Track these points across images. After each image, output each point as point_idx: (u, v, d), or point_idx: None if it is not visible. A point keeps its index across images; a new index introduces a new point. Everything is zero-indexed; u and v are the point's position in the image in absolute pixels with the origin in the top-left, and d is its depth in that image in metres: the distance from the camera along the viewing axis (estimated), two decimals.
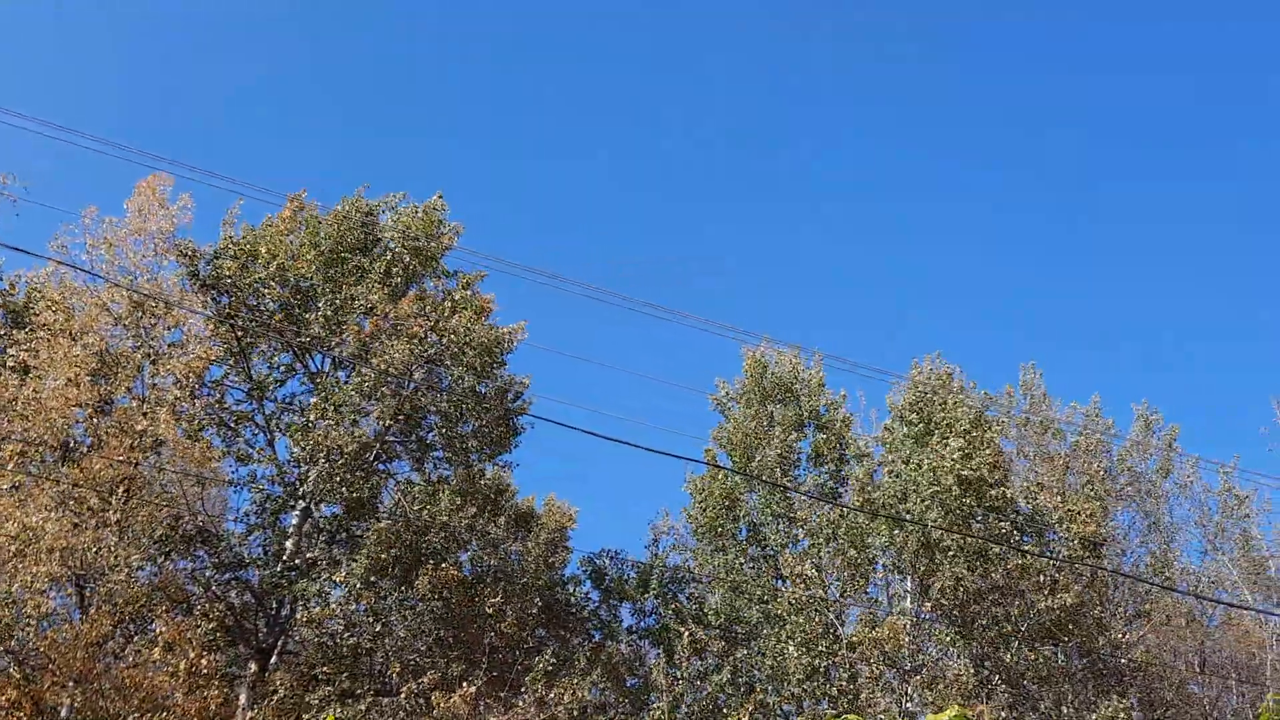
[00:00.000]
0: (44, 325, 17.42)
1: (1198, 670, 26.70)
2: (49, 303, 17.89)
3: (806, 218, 78.84)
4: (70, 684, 15.79)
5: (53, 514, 15.86)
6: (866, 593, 22.17)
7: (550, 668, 17.56)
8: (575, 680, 17.49)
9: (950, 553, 20.46)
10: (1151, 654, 24.07)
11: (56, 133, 23.18)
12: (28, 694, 15.65)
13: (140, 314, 17.95)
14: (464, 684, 16.51)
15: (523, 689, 17.27)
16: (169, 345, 18.45)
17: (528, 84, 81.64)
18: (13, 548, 15.71)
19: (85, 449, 17.86)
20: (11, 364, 17.26)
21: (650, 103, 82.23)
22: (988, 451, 21.21)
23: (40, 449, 17.21)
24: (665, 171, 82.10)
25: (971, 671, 19.51)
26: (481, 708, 16.60)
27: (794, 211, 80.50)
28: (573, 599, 21.79)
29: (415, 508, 18.48)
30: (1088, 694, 21.49)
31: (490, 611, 17.87)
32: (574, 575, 22.60)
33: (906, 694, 19.28)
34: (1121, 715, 18.54)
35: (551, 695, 17.06)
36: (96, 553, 16.36)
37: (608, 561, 23.03)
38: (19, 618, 16.02)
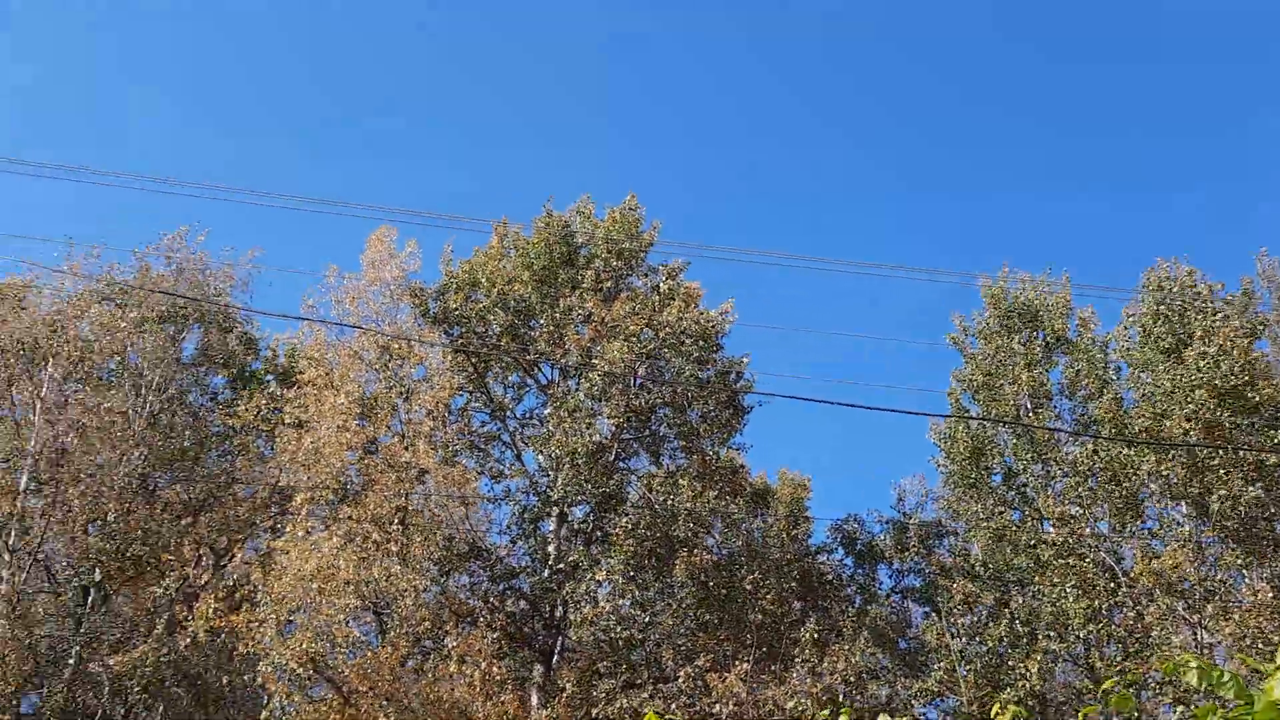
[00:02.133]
0: (309, 381, 19.12)
1: None
2: (309, 359, 19.59)
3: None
4: (384, 703, 17.23)
5: (343, 551, 17.32)
6: (1141, 524, 20.93)
7: (816, 638, 17.65)
8: (845, 647, 17.50)
9: (1221, 470, 19.00)
10: None
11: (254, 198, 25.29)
12: (348, 716, 17.18)
13: (388, 357, 19.37)
14: (736, 663, 16.86)
15: (793, 661, 17.45)
16: (416, 381, 19.83)
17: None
18: (314, 585, 17.29)
19: (359, 488, 19.40)
20: (288, 420, 19.01)
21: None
22: (1238, 354, 19.51)
23: (323, 493, 18.85)
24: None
25: (1270, 592, 18.05)
26: (757, 684, 16.89)
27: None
28: (826, 568, 21.73)
29: (660, 499, 18.99)
30: None
31: (749, 589, 18.14)
32: (823, 544, 22.50)
33: (1201, 625, 18.11)
34: None
35: (824, 664, 17.14)
36: (386, 581, 17.71)
37: (856, 525, 22.80)
38: (330, 648, 17.52)
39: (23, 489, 18.76)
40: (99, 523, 18.87)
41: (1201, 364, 19.61)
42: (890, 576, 23.36)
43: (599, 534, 19.29)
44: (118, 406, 19.01)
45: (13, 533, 18.57)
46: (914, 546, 22.88)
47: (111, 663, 17.94)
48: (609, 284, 20.95)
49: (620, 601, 18.18)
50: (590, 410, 19.23)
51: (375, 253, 20.17)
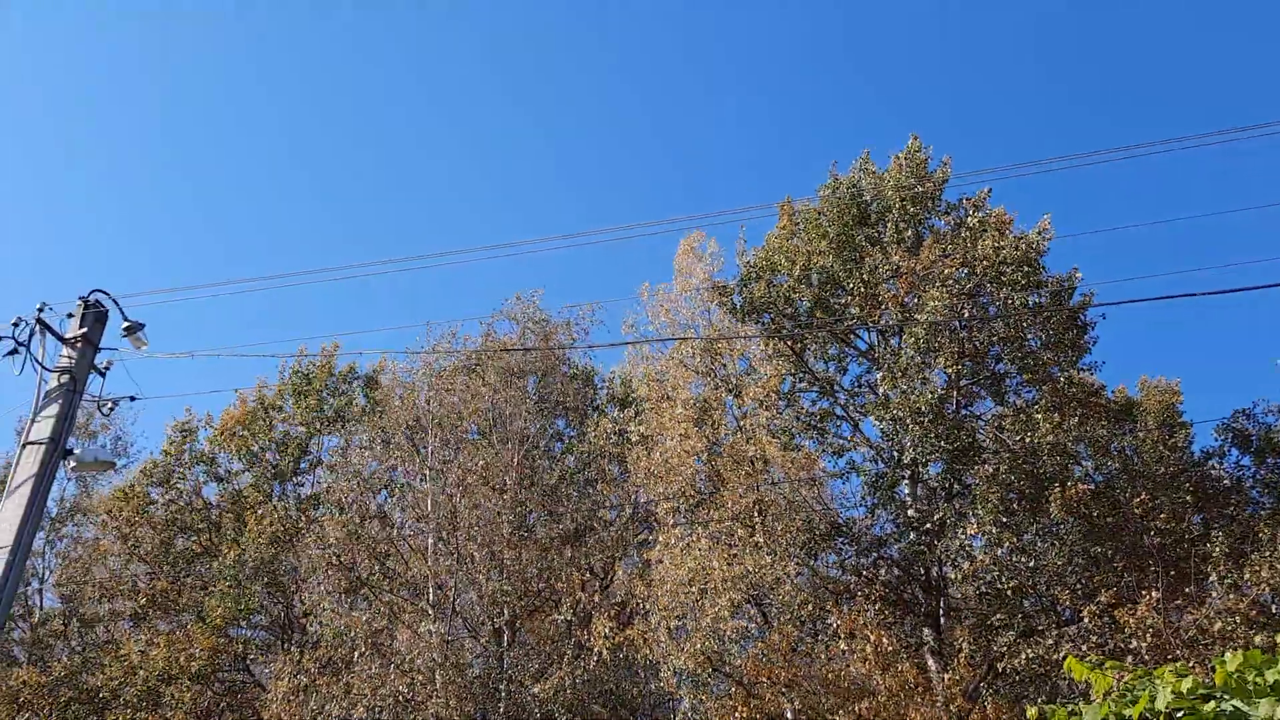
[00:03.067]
0: (647, 398, 20.23)
1: None
2: (647, 378, 20.78)
3: None
4: (784, 689, 17.73)
5: (712, 551, 18.04)
6: None
7: (1228, 550, 16.30)
8: (1265, 554, 16.03)
9: None
10: None
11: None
12: (753, 707, 17.81)
13: (711, 359, 20.07)
14: (1143, 593, 15.92)
15: (1208, 581, 16.23)
16: (741, 376, 20.42)
17: None
18: (694, 589, 18.12)
19: (711, 490, 20.17)
20: (635, 439, 20.17)
21: None
22: None
23: (680, 501, 19.76)
24: None
25: None
26: (1171, 612, 15.88)
27: None
28: (1221, 473, 20.00)
29: (1015, 439, 18.31)
30: None
31: (1138, 513, 17.07)
32: (1215, 448, 20.71)
33: None
34: None
35: (1246, 576, 15.81)
36: (758, 572, 18.25)
37: (1246, 421, 20.78)
38: (721, 645, 18.26)
39: (430, 549, 21.06)
40: (498, 569, 20.81)
41: None
42: None
43: (958, 487, 18.87)
44: (490, 461, 20.96)
45: (430, 590, 20.87)
46: None
47: (536, 691, 19.65)
48: (909, 234, 20.49)
49: (998, 551, 17.68)
50: (921, 364, 18.87)
51: (684, 260, 21.03)
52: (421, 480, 21.56)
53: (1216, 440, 20.70)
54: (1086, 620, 16.19)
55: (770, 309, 21.15)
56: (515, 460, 21.30)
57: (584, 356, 25.35)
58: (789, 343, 21.21)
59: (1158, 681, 5.61)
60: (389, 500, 23.61)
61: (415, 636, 19.44)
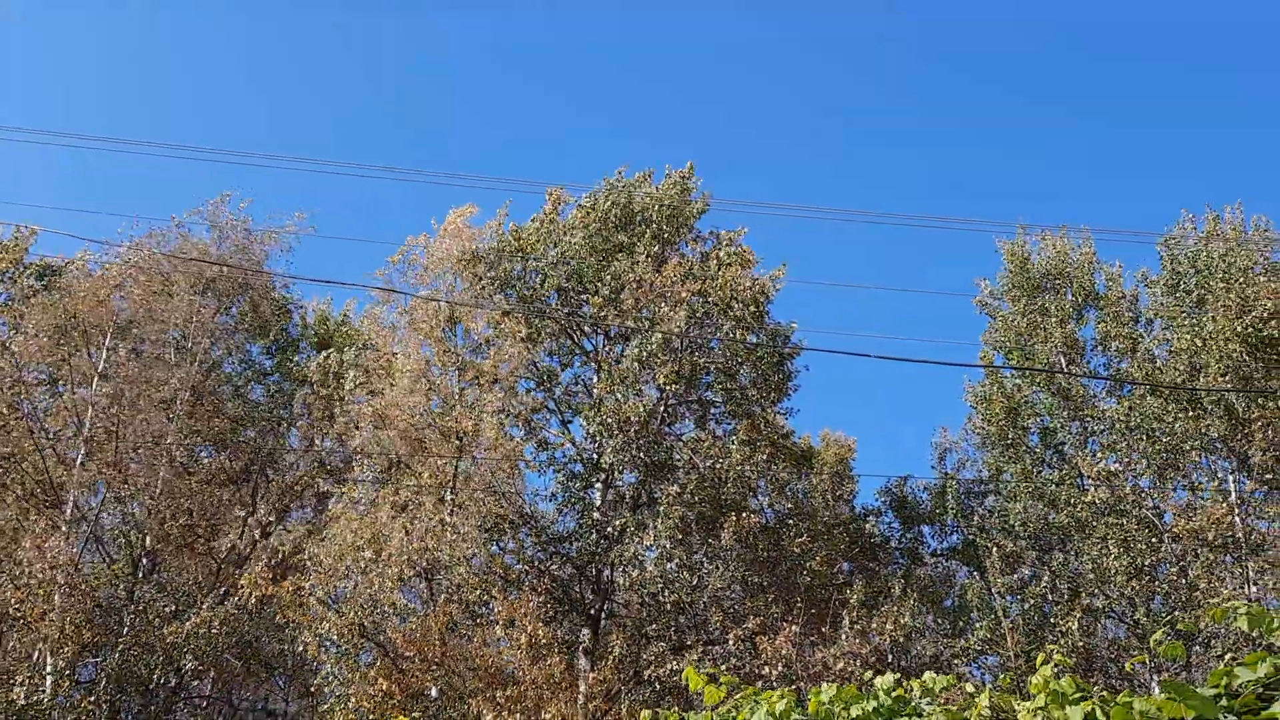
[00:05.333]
0: (378, 351, 19.56)
1: None
2: (373, 327, 20.11)
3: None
4: (432, 668, 17.57)
5: (397, 519, 17.63)
6: (1184, 478, 20.89)
7: (865, 599, 17.86)
8: (894, 608, 17.69)
9: (1260, 422, 18.91)
10: None
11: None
12: (398, 683, 17.52)
13: (441, 325, 19.68)
14: (785, 625, 17.07)
15: (842, 623, 17.66)
16: (467, 349, 20.15)
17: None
18: (367, 554, 17.63)
19: (410, 457, 19.71)
20: (351, 385, 19.40)
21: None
22: (1270, 303, 19.25)
23: (380, 460, 19.17)
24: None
25: None
26: (805, 646, 17.12)
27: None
28: (874, 529, 21.92)
29: (707, 463, 19.18)
30: None
31: (797, 551, 18.34)
32: (874, 507, 22.71)
33: (1248, 578, 18.13)
34: None
35: (873, 625, 17.34)
36: (436, 548, 17.99)
37: (904, 488, 22.94)
38: (381, 616, 17.84)
39: (79, 462, 19.24)
40: (148, 493, 19.30)
41: (1228, 316, 19.42)
42: (934, 537, 23.55)
43: (646, 499, 19.53)
44: (162, 378, 19.41)
45: (69, 506, 19.07)
46: (954, 507, 23.00)
47: (166, 632, 18.37)
48: (659, 251, 21.07)
49: (668, 565, 18.43)
50: (639, 376, 19.40)
51: (450, 226, 20.55)
52: (84, 386, 19.72)
53: (876, 500, 22.70)
54: (731, 643, 17.13)
55: (513, 288, 21.06)
56: (192, 382, 19.94)
57: (288, 287, 24.03)
58: (523, 327, 21.21)
59: (761, 702, 5.94)
60: (48, 400, 21.35)
61: (39, 550, 17.67)
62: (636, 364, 19.15)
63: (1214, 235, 22.73)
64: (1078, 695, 5.45)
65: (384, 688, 16.90)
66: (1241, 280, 20.10)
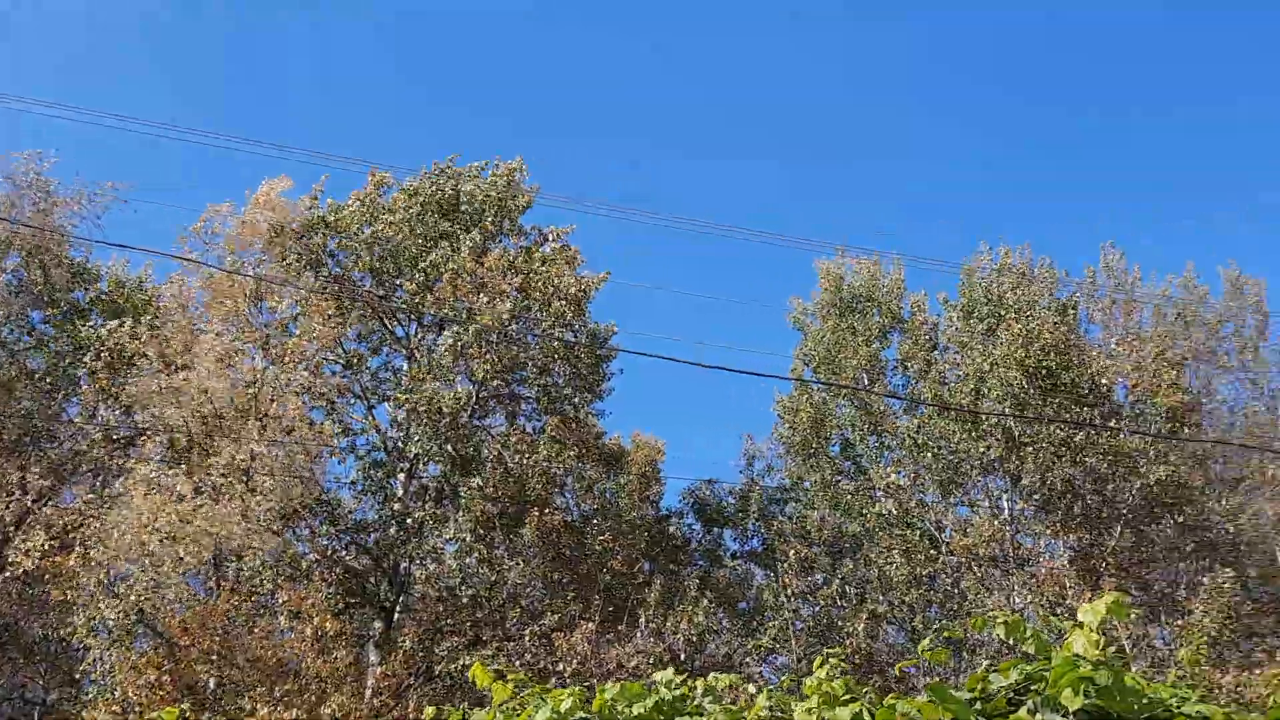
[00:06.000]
0: (172, 320, 18.39)
1: None
2: (176, 298, 18.91)
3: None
4: (210, 658, 16.73)
5: (188, 501, 16.67)
6: (966, 495, 22.28)
7: (662, 599, 18.17)
8: (689, 608, 18.07)
9: (1031, 446, 20.40)
10: (1261, 524, 23.75)
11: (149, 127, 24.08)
12: (170, 673, 16.60)
13: (256, 301, 18.78)
14: (582, 622, 17.17)
15: (639, 622, 17.92)
16: (274, 326, 19.28)
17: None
18: (156, 537, 16.60)
19: (215, 435, 18.70)
20: (153, 356, 18.16)
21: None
22: (1049, 337, 20.80)
23: (179, 435, 18.09)
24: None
25: (1066, 560, 19.65)
26: (601, 644, 17.26)
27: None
28: (676, 530, 22.35)
29: (514, 459, 19.07)
30: (1199, 569, 21.39)
31: (599, 550, 18.47)
32: (677, 509, 23.14)
33: (1012, 590, 19.48)
34: (1226, 585, 18.46)
35: (668, 625, 17.67)
36: (229, 534, 17.16)
37: (707, 491, 23.50)
38: (161, 603, 16.90)
39: None
40: None
41: (1012, 345, 20.85)
42: (735, 540, 24.23)
43: (450, 492, 19.25)
44: None
45: None
46: (755, 512, 23.76)
47: None
48: (481, 241, 20.75)
49: (467, 560, 18.23)
50: (452, 366, 19.08)
51: (263, 197, 19.55)
52: None
53: (680, 502, 23.19)
54: (528, 639, 17.10)
55: (324, 266, 20.33)
56: None
57: (85, 251, 22.44)
58: (332, 307, 20.49)
59: (546, 700, 5.91)
60: None
61: None
62: (450, 354, 18.85)
63: (1005, 268, 24.41)
64: (848, 697, 5.69)
65: (153, 678, 16.00)
66: (1028, 314, 21.59)
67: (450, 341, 19.03)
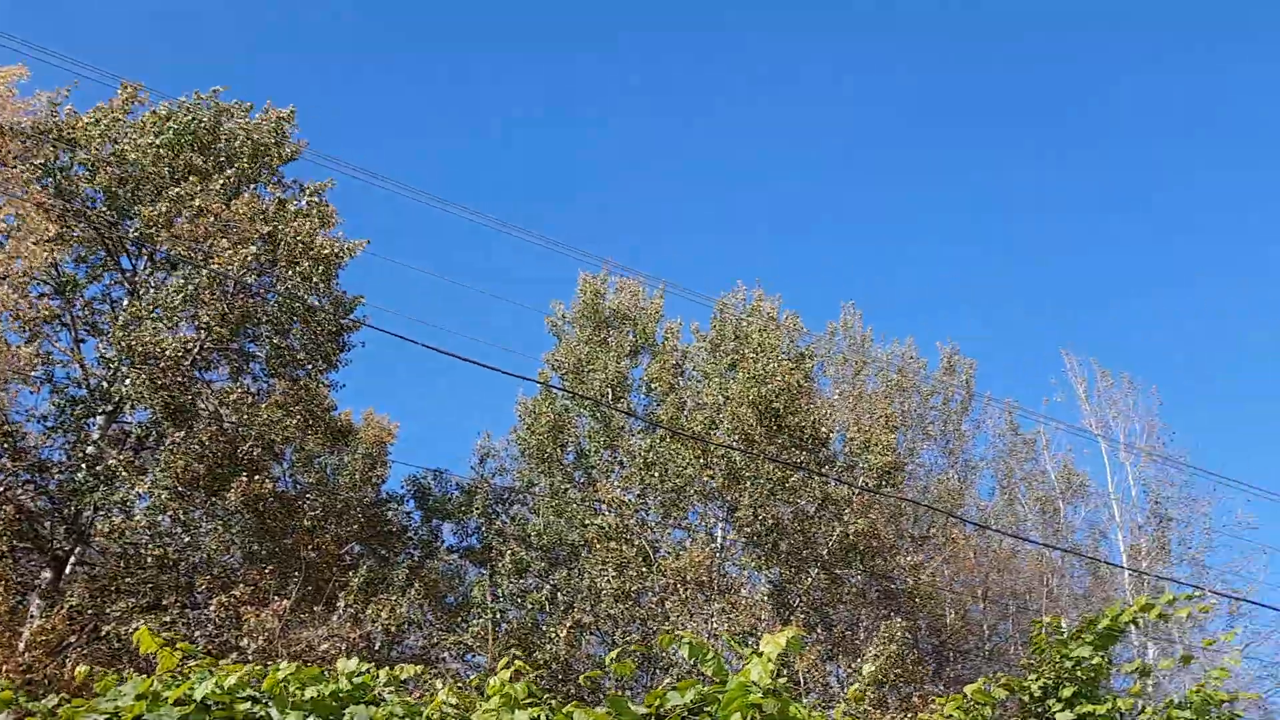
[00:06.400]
0: None
1: (981, 597, 28.90)
2: None
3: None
4: None
5: None
6: (686, 519, 23.03)
7: (366, 584, 17.58)
8: (393, 597, 17.57)
9: (750, 481, 21.42)
10: (938, 581, 25.99)
11: None
12: None
13: None
14: (277, 598, 16.35)
15: (338, 606, 17.25)
16: None
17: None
18: None
19: None
20: None
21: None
22: (782, 380, 21.99)
23: None
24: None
25: (766, 595, 20.74)
26: (294, 624, 16.50)
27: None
28: (394, 516, 21.76)
29: (233, 417, 17.95)
30: (878, 616, 23.11)
31: (308, 526, 17.66)
32: (397, 494, 22.51)
33: (712, 614, 20.24)
34: (898, 634, 20.05)
35: (368, 611, 17.11)
36: None
37: (432, 481, 23.07)
38: None
39: None
40: None
41: (747, 383, 21.89)
42: (454, 535, 23.89)
43: (154, 443, 17.85)
44: None
45: None
46: (479, 509, 23.56)
47: None
48: (235, 183, 19.37)
49: (160, 518, 16.95)
50: (178, 310, 17.68)
51: None
52: None
53: (403, 489, 22.64)
54: (214, 609, 16.09)
55: (52, 177, 18.41)
56: None
57: None
58: (53, 226, 18.58)
59: (214, 673, 5.53)
60: None
61: None
62: (180, 296, 17.51)
63: (755, 311, 25.65)
64: (529, 700, 5.66)
65: None
66: (767, 356, 22.65)
67: (181, 283, 17.67)
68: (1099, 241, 73.48)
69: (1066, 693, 7.60)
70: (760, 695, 5.11)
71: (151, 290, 18.24)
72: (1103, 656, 7.70)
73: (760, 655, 5.29)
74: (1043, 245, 73.12)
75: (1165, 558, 27.78)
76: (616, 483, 22.76)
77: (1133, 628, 8.43)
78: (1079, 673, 7.65)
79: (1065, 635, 7.94)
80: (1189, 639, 25.69)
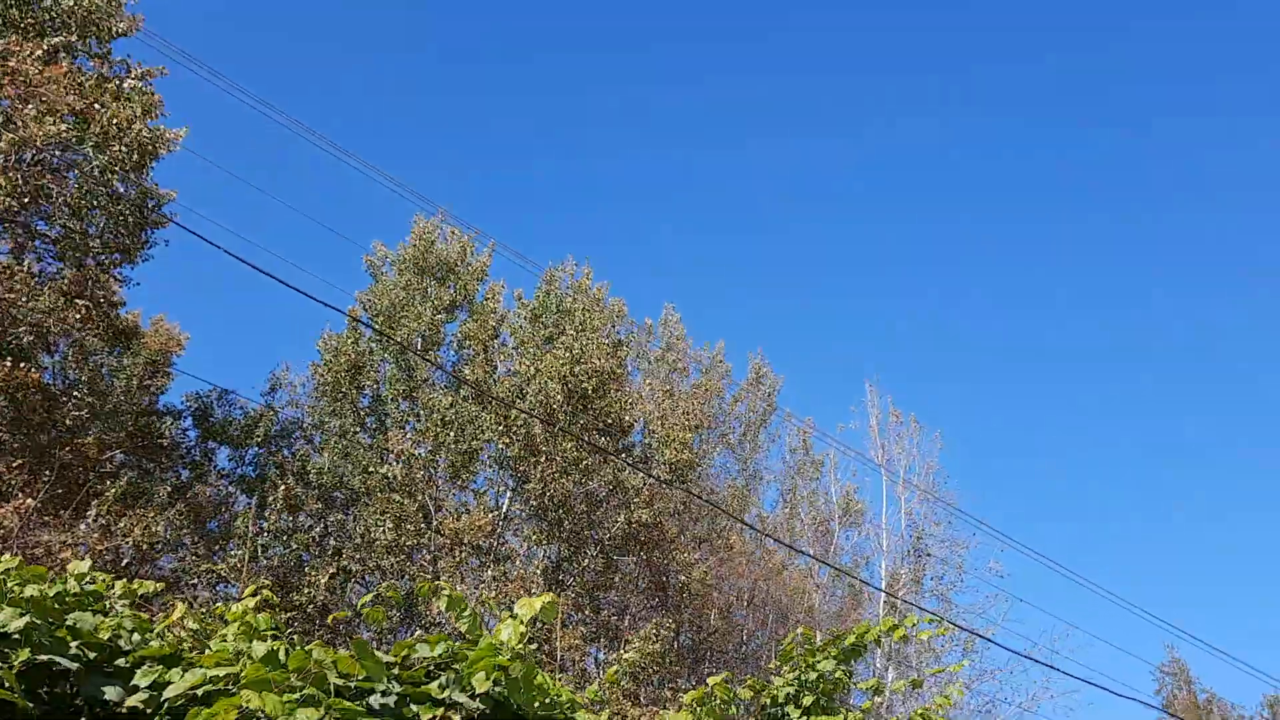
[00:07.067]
0: None
1: (746, 602, 29.92)
2: None
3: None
4: None
5: None
6: (473, 483, 22.81)
7: (124, 495, 16.55)
8: (150, 514, 16.60)
9: (545, 457, 21.45)
10: (709, 581, 26.74)
11: None
12: None
13: None
14: (21, 495, 15.19)
15: (89, 513, 16.18)
16: None
17: None
18: None
19: None
20: None
21: None
22: (599, 361, 22.15)
23: None
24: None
25: (540, 570, 20.82)
26: (38, 524, 15.37)
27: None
28: (167, 430, 20.58)
29: (7, 297, 16.52)
30: (647, 606, 23.59)
31: (69, 425, 16.48)
32: (174, 407, 21.30)
33: (484, 581, 20.16)
34: (664, 631, 20.50)
35: (121, 524, 16.11)
36: None
37: (215, 401, 21.96)
38: None
39: None
40: None
41: (562, 359, 21.90)
42: (230, 461, 22.82)
43: None
44: None
45: None
46: (259, 438, 22.61)
47: None
48: (54, 50, 17.75)
49: None
50: None
51: None
52: None
53: (183, 404, 21.46)
54: None
55: None
56: None
57: None
58: None
59: None
60: None
61: None
62: None
63: (581, 289, 25.64)
64: (270, 631, 5.43)
65: None
66: (585, 335, 22.70)
67: None
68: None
69: (807, 700, 7.94)
70: (507, 658, 5.08)
71: None
72: (845, 671, 8.09)
73: (515, 618, 5.26)
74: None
75: (919, 590, 29.53)
76: (410, 435, 22.29)
77: (877, 649, 8.88)
78: (821, 684, 8.01)
79: (813, 647, 8.29)
80: (924, 667, 27.42)
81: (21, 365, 15.77)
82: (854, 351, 69.75)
